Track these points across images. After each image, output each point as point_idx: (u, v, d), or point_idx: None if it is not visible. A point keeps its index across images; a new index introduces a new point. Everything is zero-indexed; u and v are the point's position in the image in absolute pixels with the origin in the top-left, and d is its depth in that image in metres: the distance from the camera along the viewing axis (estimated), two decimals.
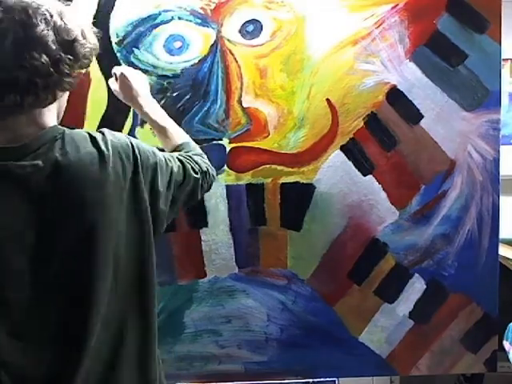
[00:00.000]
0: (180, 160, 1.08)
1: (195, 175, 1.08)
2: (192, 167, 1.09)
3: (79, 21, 0.91)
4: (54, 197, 0.87)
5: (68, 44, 0.87)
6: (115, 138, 0.96)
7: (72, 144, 0.90)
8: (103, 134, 0.95)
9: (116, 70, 1.28)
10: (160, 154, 1.03)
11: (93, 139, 0.92)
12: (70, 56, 0.88)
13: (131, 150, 0.95)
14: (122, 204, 0.92)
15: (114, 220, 0.91)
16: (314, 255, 1.46)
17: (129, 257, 0.94)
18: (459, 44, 1.40)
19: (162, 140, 1.23)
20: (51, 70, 0.85)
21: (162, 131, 1.22)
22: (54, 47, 0.85)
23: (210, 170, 1.15)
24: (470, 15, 1.39)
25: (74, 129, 0.95)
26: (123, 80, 1.25)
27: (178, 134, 1.23)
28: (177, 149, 1.18)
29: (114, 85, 1.29)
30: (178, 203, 1.05)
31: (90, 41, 0.92)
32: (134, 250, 0.95)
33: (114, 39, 1.37)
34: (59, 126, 0.94)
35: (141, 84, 1.27)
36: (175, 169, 1.04)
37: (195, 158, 1.13)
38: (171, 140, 1.20)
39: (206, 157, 1.19)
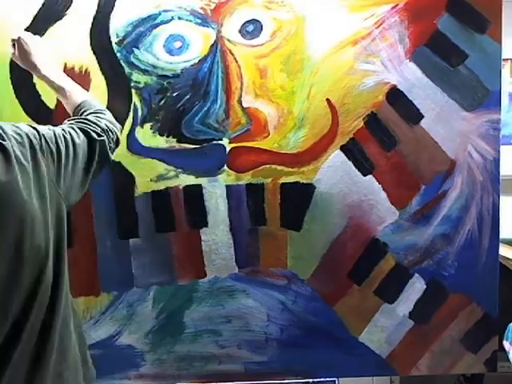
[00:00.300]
0: (80, 128, 1.06)
1: (99, 138, 1.07)
2: (94, 130, 1.08)
3: None
4: None
5: None
6: (14, 127, 0.93)
7: None
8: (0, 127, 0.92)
9: (14, 35, 1.28)
10: (59, 130, 1.01)
11: None
12: None
13: (27, 139, 0.92)
14: (39, 194, 0.90)
15: (28, 215, 0.87)
16: (313, 255, 1.46)
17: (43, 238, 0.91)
18: (459, 44, 1.40)
19: (63, 101, 1.25)
20: None
21: (61, 92, 1.24)
22: None
23: (110, 126, 1.14)
24: (470, 15, 1.39)
25: None
26: (21, 45, 1.25)
27: (78, 94, 1.24)
28: (77, 108, 1.19)
29: (13, 49, 1.28)
30: (89, 173, 1.04)
31: None
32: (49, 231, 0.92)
33: (113, 39, 1.37)
34: None
35: (37, 48, 1.27)
36: (77, 140, 1.03)
37: (93, 118, 1.12)
38: (71, 100, 1.22)
39: (107, 112, 1.20)
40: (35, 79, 1.36)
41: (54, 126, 1.02)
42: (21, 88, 1.37)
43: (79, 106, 1.20)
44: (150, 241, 1.44)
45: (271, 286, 1.47)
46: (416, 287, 1.48)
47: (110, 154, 1.12)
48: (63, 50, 1.36)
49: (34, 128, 0.97)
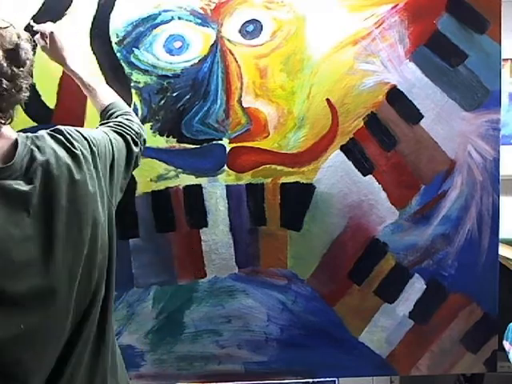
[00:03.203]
0: (119, 133, 1.10)
1: (136, 149, 1.12)
2: (132, 139, 1.12)
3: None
4: (49, 208, 0.87)
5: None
6: (75, 134, 0.97)
7: (46, 153, 0.90)
8: (62, 133, 0.96)
9: (42, 27, 1.28)
10: (107, 137, 1.05)
11: (59, 142, 0.93)
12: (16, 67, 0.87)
13: (88, 144, 0.97)
14: (101, 198, 0.95)
15: (99, 217, 0.93)
16: (314, 255, 1.46)
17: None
18: (459, 44, 1.40)
19: (91, 99, 1.28)
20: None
21: (89, 90, 1.27)
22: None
23: (140, 130, 1.18)
24: (470, 15, 1.39)
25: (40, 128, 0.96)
26: (53, 39, 1.26)
27: (106, 94, 1.27)
28: (106, 109, 1.22)
29: (43, 41, 1.28)
30: (127, 178, 1.09)
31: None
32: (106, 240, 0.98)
33: (113, 39, 1.37)
34: (20, 134, 0.92)
35: (69, 44, 1.28)
36: (120, 146, 1.08)
37: (127, 122, 1.16)
38: (99, 99, 1.25)
39: (133, 114, 1.23)
40: (35, 79, 1.36)
41: (63, 126, 1.02)
42: None
43: (108, 106, 1.23)
44: (150, 241, 1.44)
45: (271, 286, 1.47)
46: (416, 287, 1.48)
47: (139, 156, 1.16)
48: None
49: (91, 134, 1.00)
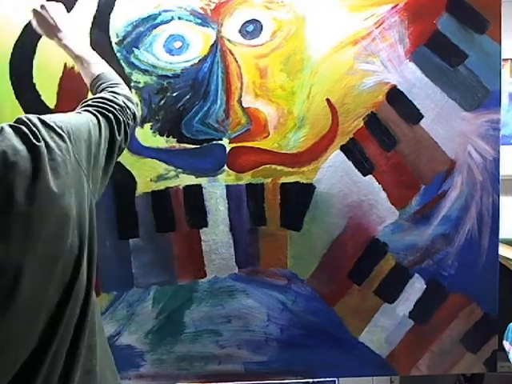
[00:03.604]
0: (99, 112, 1.00)
1: (119, 137, 1.02)
2: (112, 111, 1.02)
3: None
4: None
5: None
6: (41, 123, 0.87)
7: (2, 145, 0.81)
8: (25, 123, 0.85)
9: (35, 4, 1.26)
10: (87, 126, 0.95)
11: (20, 132, 0.83)
12: None
13: (59, 132, 0.87)
14: (77, 189, 0.88)
15: (69, 212, 0.86)
16: (314, 255, 1.46)
17: None
18: (459, 44, 1.40)
19: (81, 71, 1.23)
20: None
21: (79, 61, 1.22)
22: None
23: (127, 102, 1.09)
24: (469, 15, 1.39)
25: None
26: (41, 14, 1.24)
27: (96, 65, 1.21)
28: (94, 81, 1.18)
29: (34, 20, 1.26)
30: (112, 160, 1.01)
31: None
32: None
33: (113, 39, 1.37)
34: None
35: (59, 17, 1.25)
36: (102, 127, 0.98)
37: (109, 96, 1.07)
38: (88, 71, 1.20)
39: (123, 86, 1.16)
40: (35, 79, 1.37)
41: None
42: (21, 88, 1.37)
43: (96, 78, 1.18)
44: (150, 241, 1.44)
45: (271, 286, 1.47)
46: (416, 287, 1.48)
47: (129, 134, 1.06)
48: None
49: (65, 120, 0.91)
